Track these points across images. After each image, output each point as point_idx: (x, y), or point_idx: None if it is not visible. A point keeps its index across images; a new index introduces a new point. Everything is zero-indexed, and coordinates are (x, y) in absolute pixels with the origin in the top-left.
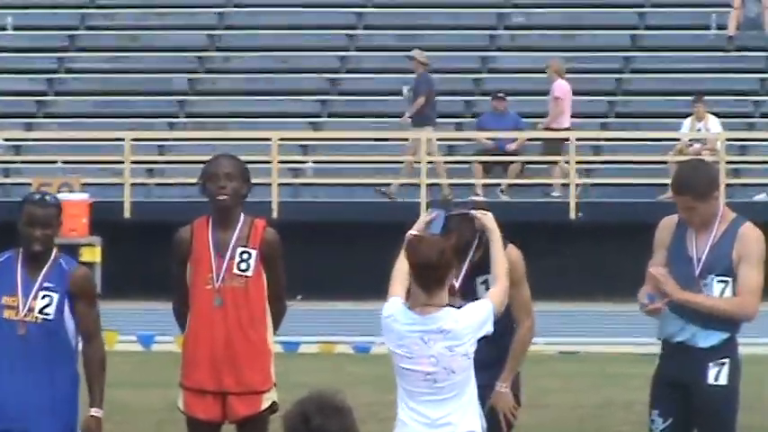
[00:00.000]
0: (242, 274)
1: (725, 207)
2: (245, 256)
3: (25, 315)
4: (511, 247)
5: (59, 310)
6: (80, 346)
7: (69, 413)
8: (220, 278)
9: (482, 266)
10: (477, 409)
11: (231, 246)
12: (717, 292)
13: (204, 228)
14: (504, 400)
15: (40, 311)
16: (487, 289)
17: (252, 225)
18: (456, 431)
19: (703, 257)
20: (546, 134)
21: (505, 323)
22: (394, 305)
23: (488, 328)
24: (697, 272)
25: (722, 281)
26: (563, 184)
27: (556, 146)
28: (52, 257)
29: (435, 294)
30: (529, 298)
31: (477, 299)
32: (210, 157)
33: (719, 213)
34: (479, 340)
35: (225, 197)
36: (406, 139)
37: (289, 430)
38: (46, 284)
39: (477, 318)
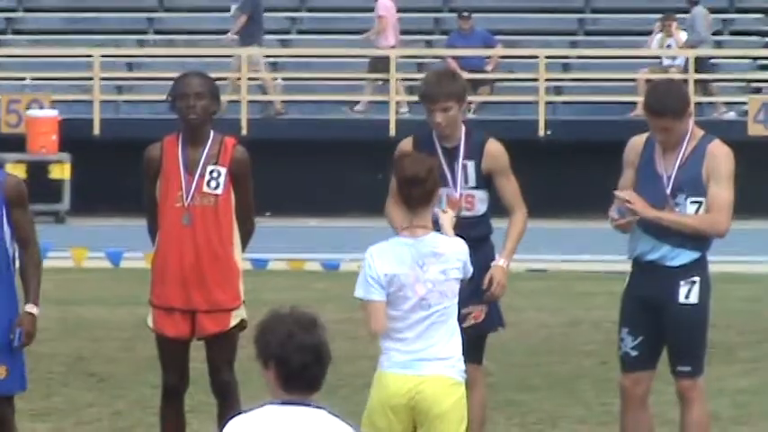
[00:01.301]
0: (212, 192)
1: (693, 125)
2: (214, 174)
3: None
4: (491, 140)
5: None
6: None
7: (10, 314)
8: (190, 196)
9: None
10: (459, 339)
11: (201, 164)
12: (691, 213)
13: (174, 145)
14: (502, 276)
15: None
16: None
17: (222, 143)
18: (441, 356)
19: (673, 175)
20: (512, 51)
21: (484, 229)
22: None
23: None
24: (668, 190)
25: (695, 201)
26: (531, 102)
27: (382, 63)
28: None
29: (421, 214)
30: (517, 187)
31: None
32: (180, 74)
33: (689, 131)
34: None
35: (195, 116)
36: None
37: (273, 344)
38: None
39: (464, 248)
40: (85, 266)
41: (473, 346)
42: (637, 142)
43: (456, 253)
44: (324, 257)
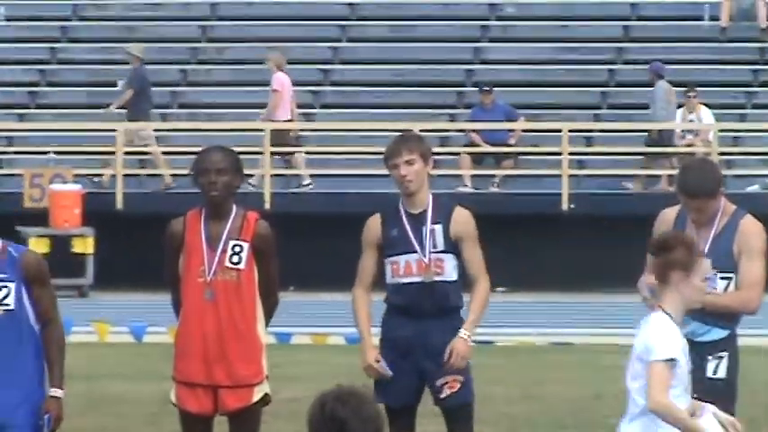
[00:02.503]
0: (234, 267)
1: (725, 200)
2: (237, 249)
3: None
4: (459, 206)
5: (18, 298)
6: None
7: (40, 400)
8: (212, 271)
9: None
10: (641, 424)
11: (223, 239)
12: (720, 289)
13: (197, 220)
14: (464, 347)
15: (0, 303)
16: None
17: (244, 217)
18: None
19: (705, 251)
20: (533, 125)
21: (456, 300)
22: None
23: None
24: None
25: (725, 277)
26: (555, 175)
27: (281, 137)
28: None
29: (659, 289)
30: (482, 257)
31: None
32: (203, 148)
33: (721, 207)
34: None
35: (216, 193)
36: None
37: (308, 416)
38: (0, 276)
39: (652, 329)
40: (109, 341)
41: (459, 419)
42: (668, 215)
43: (643, 332)
44: (347, 332)
